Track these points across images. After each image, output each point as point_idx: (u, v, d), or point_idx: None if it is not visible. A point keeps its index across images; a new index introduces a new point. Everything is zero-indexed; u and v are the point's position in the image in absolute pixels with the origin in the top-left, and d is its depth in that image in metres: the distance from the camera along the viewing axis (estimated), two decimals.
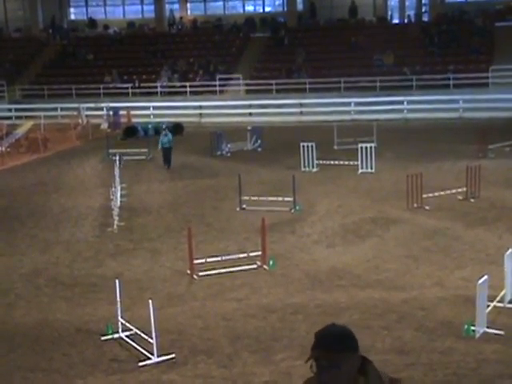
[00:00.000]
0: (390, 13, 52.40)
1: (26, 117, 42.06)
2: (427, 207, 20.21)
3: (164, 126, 35.31)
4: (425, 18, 50.99)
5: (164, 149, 27.90)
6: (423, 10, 51.68)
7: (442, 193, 21.15)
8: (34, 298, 14.55)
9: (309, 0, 52.06)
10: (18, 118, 43.48)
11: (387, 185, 23.46)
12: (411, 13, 51.07)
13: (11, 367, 11.37)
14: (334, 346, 3.78)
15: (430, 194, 20.76)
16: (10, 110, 45.42)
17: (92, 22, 55.34)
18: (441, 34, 45.14)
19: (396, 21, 52.24)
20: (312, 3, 51.53)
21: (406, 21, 50.85)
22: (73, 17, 58.18)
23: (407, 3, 52.04)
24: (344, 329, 3.88)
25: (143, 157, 29.56)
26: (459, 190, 21.36)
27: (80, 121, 40.35)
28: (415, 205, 20.29)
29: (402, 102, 40.14)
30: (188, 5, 55.63)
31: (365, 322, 12.45)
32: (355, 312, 12.92)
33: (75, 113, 41.21)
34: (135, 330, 12.05)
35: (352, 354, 3.81)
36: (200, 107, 42.99)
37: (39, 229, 19.93)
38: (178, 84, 45.62)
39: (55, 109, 43.12)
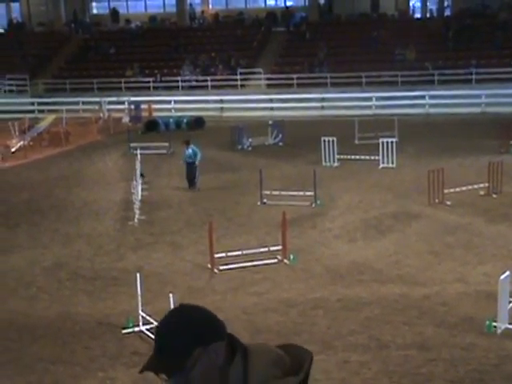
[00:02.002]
0: (411, 7, 52.14)
1: (49, 111, 42.31)
2: (449, 203, 20.10)
3: (184, 119, 35.47)
4: (447, 13, 50.70)
5: (186, 164, 23.60)
6: (445, 4, 51.40)
7: (463, 188, 21.04)
8: (56, 291, 14.64)
9: None
10: (40, 111, 43.71)
11: (408, 180, 23.36)
12: (433, 7, 50.83)
13: (33, 359, 11.46)
14: (172, 346, 2.46)
15: (452, 190, 20.65)
16: (32, 103, 45.71)
17: (115, 14, 55.47)
18: (463, 29, 44.82)
19: (418, 15, 52.00)
20: None
21: (427, 15, 50.59)
22: (95, 11, 58.41)
23: None
24: (186, 315, 2.53)
25: (164, 151, 29.62)
26: (481, 185, 21.23)
27: (101, 115, 40.51)
28: (436, 200, 20.19)
29: (423, 97, 39.92)
30: None
31: (386, 317, 12.43)
32: (376, 307, 12.89)
33: (97, 107, 41.40)
34: (156, 323, 12.08)
35: (205, 348, 2.46)
36: (221, 101, 43.02)
37: (61, 222, 20.05)
38: (201, 78, 45.69)
39: (77, 103, 43.32)
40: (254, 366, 2.47)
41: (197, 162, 23.24)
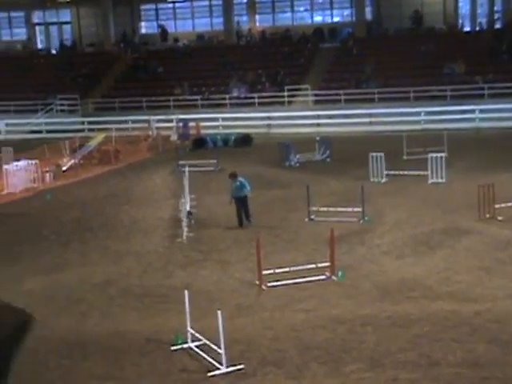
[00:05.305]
0: (460, 21, 51.70)
1: (99, 129, 42.90)
2: (500, 218, 19.80)
3: (232, 136, 35.73)
4: (497, 25, 50.14)
5: (235, 199, 21.06)
6: (495, 16, 50.83)
7: None
8: (106, 308, 14.79)
9: (377, 9, 51.86)
10: (90, 130, 44.37)
11: (458, 195, 23.09)
12: (483, 20, 50.30)
13: (84, 376, 11.58)
14: None
15: (503, 205, 20.33)
16: (83, 123, 46.44)
17: (163, 33, 56.18)
18: None
19: (467, 29, 51.51)
20: (378, 13, 51.19)
21: (477, 28, 50.10)
22: (144, 30, 59.24)
23: (478, 10, 51.30)
24: None
25: (212, 168, 29.78)
26: None
27: (150, 133, 40.95)
28: (487, 215, 19.91)
29: (473, 111, 39.50)
30: (256, 16, 56.00)
31: (436, 334, 12.26)
32: (426, 324, 12.73)
33: (146, 125, 41.86)
34: (204, 340, 12.12)
35: None
36: (268, 118, 43.13)
37: (111, 240, 20.26)
38: (248, 95, 45.95)
39: (126, 121, 43.91)
40: None
41: (249, 194, 20.99)
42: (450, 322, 12.79)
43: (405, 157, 29.81)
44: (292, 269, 15.91)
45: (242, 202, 20.91)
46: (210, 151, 34.58)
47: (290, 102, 45.04)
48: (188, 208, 21.68)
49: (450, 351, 11.54)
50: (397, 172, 26.35)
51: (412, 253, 17.47)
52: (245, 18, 55.81)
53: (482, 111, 39.40)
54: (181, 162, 29.76)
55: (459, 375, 10.66)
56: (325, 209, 20.99)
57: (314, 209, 21.10)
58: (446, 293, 14.55)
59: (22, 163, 28.75)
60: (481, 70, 42.54)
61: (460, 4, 51.82)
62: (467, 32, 50.89)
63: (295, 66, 48.03)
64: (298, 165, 30.56)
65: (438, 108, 39.94)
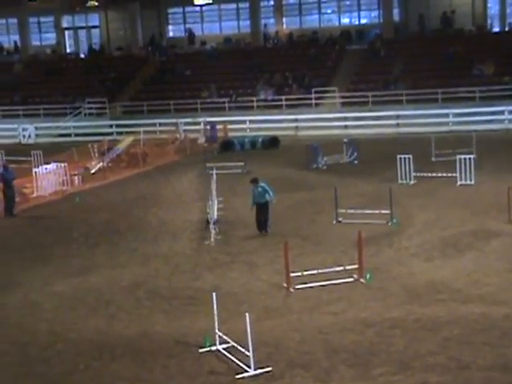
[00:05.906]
0: (489, 21, 51.26)
1: (127, 132, 43.11)
2: None
3: (259, 139, 35.76)
4: None
5: (256, 205, 20.45)
6: None
7: None
8: (135, 310, 14.86)
9: (405, 11, 51.60)
10: (118, 133, 44.60)
11: (487, 197, 22.89)
12: None
13: (113, 377, 11.64)
14: None
15: None
16: (111, 126, 46.70)
17: (190, 36, 56.40)
18: None
19: (496, 29, 51.08)
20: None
21: (506, 29, 49.66)
22: (171, 34, 59.49)
23: (508, 11, 50.80)
24: None
25: (239, 170, 29.82)
26: None
27: (178, 136, 41.10)
28: None
29: (502, 112, 39.16)
30: (284, 19, 55.98)
31: (466, 337, 12.17)
32: (455, 327, 12.64)
33: (173, 128, 42.02)
34: (232, 342, 12.13)
35: None
36: (296, 120, 43.10)
37: (139, 242, 20.36)
38: (275, 97, 45.95)
39: (154, 124, 44.07)
40: None
41: (274, 201, 20.38)
42: (480, 325, 12.70)
43: (433, 158, 29.63)
44: (320, 271, 15.88)
45: (262, 209, 20.33)
46: (237, 154, 34.65)
47: (317, 104, 44.95)
48: (215, 213, 21.68)
49: (479, 354, 11.45)
50: (425, 174, 26.18)
51: (441, 255, 17.36)
52: (272, 21, 55.78)
53: (511, 112, 39.06)
54: (208, 165, 29.84)
55: (489, 379, 10.58)
56: (352, 211, 20.92)
57: (342, 211, 21.04)
58: (475, 295, 14.44)
59: (51, 166, 28.98)
60: (510, 70, 42.13)
61: (489, 5, 51.35)
62: (496, 33, 50.45)
63: (322, 68, 47.95)
64: (325, 167, 30.49)
65: (466, 109, 39.67)
